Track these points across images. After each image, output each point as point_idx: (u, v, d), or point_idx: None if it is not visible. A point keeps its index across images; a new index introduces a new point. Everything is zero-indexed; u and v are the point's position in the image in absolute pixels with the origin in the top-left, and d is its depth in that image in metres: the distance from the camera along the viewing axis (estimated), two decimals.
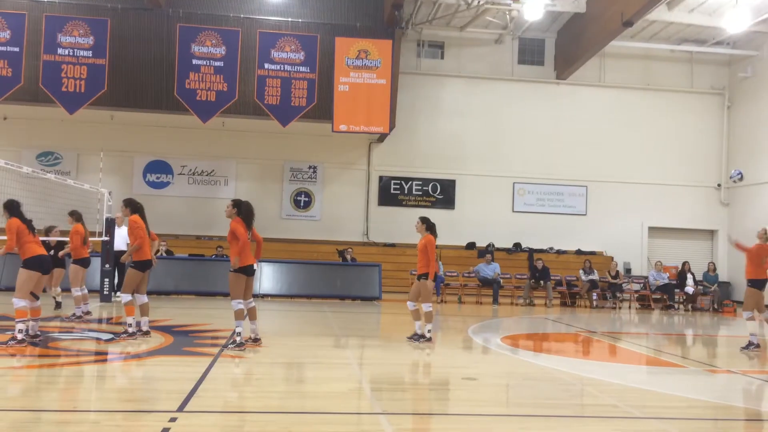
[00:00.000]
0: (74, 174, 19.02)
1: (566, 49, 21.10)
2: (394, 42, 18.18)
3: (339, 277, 17.44)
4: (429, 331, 9.67)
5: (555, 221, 21.56)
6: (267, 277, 17.24)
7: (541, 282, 18.28)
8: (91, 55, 16.77)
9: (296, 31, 17.87)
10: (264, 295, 16.95)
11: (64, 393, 6.14)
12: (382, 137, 19.81)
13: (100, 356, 8.25)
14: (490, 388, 7.18)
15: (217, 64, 17.17)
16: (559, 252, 21.10)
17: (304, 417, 5.45)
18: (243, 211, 8.85)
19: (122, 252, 13.60)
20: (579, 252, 21.07)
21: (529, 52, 21.79)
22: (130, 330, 8.98)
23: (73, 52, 16.71)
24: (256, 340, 8.78)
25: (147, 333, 9.16)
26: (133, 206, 9.39)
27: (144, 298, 9.20)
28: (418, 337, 9.68)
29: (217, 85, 17.13)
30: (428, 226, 9.78)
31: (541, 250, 20.76)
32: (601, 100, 21.78)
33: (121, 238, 14.06)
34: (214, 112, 17.08)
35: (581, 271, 18.92)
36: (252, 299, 8.93)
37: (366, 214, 21.06)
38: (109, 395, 6.20)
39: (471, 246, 20.70)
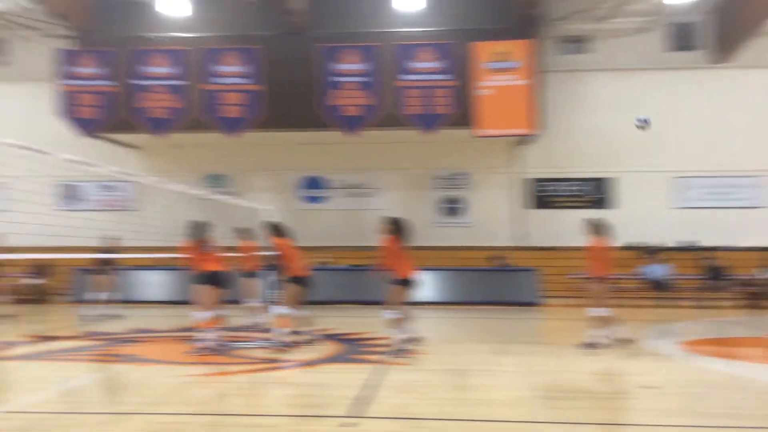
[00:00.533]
0: (240, 194, 20.37)
1: (723, 30, 19.51)
2: (533, 41, 17.78)
3: (494, 283, 17.26)
4: (606, 336, 9.29)
5: (725, 216, 19.92)
6: (427, 286, 17.41)
7: (716, 282, 16.93)
8: (246, 81, 17.95)
9: (432, 39, 18.02)
10: (420, 303, 17.14)
11: (246, 398, 6.56)
12: (527, 139, 19.41)
13: (274, 364, 8.74)
14: (675, 397, 6.74)
15: (359, 79, 17.72)
16: (732, 249, 19.45)
17: (475, 425, 5.44)
18: (399, 228, 9.11)
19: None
20: (753, 248, 19.25)
21: (680, 38, 20.36)
22: (287, 340, 9.42)
23: (230, 80, 17.99)
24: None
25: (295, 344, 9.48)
26: (273, 230, 9.76)
27: (301, 311, 9.50)
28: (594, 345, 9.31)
29: (360, 99, 17.68)
30: (596, 228, 9.49)
31: (711, 248, 19.25)
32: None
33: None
34: (359, 127, 17.64)
35: (756, 269, 17.28)
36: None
37: (516, 218, 20.69)
38: (286, 401, 6.54)
39: (631, 247, 19.66)
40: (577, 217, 7.90)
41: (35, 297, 17.96)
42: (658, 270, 17.23)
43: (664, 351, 9.76)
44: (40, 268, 18.33)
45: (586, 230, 9.50)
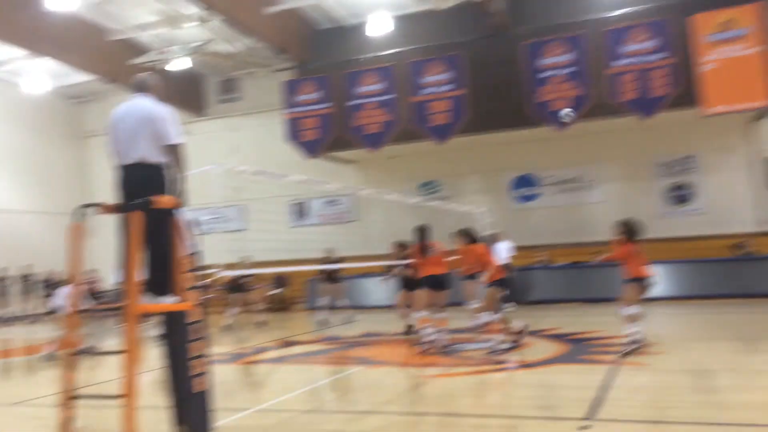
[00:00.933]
0: (453, 198, 20.72)
1: None
2: (762, 3, 15.81)
3: (735, 274, 15.61)
4: None
5: None
6: (662, 280, 16.28)
7: None
8: (451, 88, 18.22)
9: (642, 19, 16.80)
10: (651, 299, 16.05)
11: (476, 399, 6.62)
12: (762, 113, 17.29)
13: (501, 365, 8.72)
14: None
15: (567, 71, 17.08)
16: None
17: (724, 429, 4.95)
18: (632, 230, 9.05)
19: (503, 266, 14.42)
20: None
21: None
22: (505, 344, 9.34)
23: (436, 89, 18.38)
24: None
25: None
26: (466, 236, 9.69)
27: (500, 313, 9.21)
28: None
29: (569, 92, 17.03)
30: None
31: None
32: None
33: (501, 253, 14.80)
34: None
35: None
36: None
37: (759, 201, 18.51)
38: (518, 402, 6.48)
39: None
40: None
41: (277, 306, 19.81)
42: None
43: None
44: (279, 280, 20.19)
45: None
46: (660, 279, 16.10)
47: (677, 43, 16.30)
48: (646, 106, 16.39)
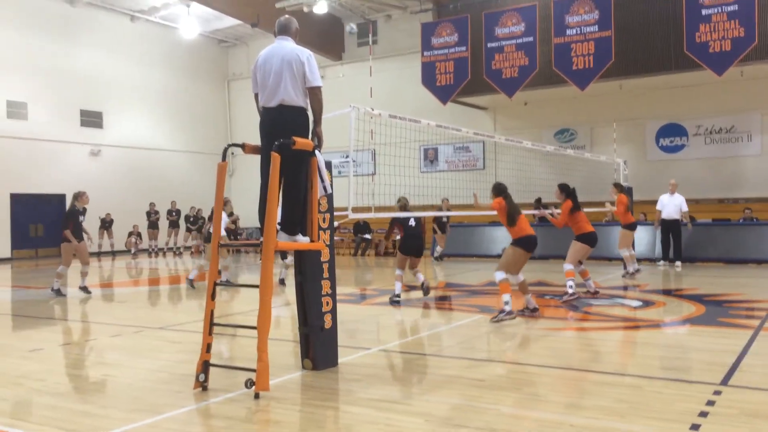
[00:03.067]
0: (589, 147, 19.89)
1: None
2: None
3: None
4: None
5: None
6: None
7: None
8: (597, 29, 17.20)
9: None
10: None
11: (602, 355, 6.47)
12: None
13: (631, 322, 8.44)
14: None
15: (731, 8, 15.55)
16: None
17: None
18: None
19: (675, 221, 13.97)
20: None
21: None
22: (571, 292, 9.72)
23: (580, 30, 17.41)
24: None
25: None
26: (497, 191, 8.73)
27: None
28: None
29: (732, 32, 15.54)
30: None
31: None
32: None
33: (674, 206, 14.22)
34: (730, 63, 15.55)
35: None
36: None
37: None
38: (647, 362, 6.27)
39: None
40: None
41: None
42: None
43: None
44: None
45: None
46: None
47: None
48: None
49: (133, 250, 22.51)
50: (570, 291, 9.66)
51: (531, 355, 6.53)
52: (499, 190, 8.61)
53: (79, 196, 11.56)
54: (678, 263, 14.18)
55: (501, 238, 18.45)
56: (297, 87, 5.44)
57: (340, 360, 5.93)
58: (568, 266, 9.90)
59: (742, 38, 15.38)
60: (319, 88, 5.51)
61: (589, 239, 9.97)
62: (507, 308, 7.95)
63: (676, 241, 14.38)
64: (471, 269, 15.20)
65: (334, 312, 5.91)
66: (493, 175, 20.80)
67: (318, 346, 5.73)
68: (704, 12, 15.82)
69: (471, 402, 4.79)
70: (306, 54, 5.52)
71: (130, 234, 22.95)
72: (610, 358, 6.34)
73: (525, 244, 8.30)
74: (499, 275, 8.18)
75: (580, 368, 5.75)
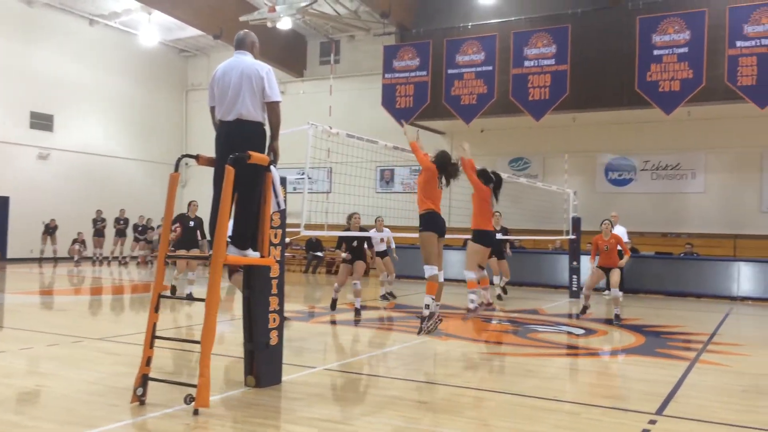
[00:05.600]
0: (541, 176, 20.30)
1: None
2: None
3: None
4: None
5: None
6: (746, 278, 15.51)
7: None
8: (554, 62, 17.65)
9: None
10: (743, 298, 15.31)
11: (543, 381, 6.57)
12: None
13: (573, 350, 8.60)
14: None
15: (681, 51, 16.17)
16: None
17: None
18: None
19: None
20: None
21: None
22: (472, 307, 9.37)
23: (538, 62, 17.84)
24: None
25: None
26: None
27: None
28: None
29: (681, 73, 16.15)
30: None
31: None
32: None
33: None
34: (678, 103, 16.14)
35: None
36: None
37: None
38: (587, 389, 6.39)
39: None
40: None
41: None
42: None
43: None
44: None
45: None
46: (754, 278, 15.40)
47: None
48: (763, 93, 15.34)
49: (76, 258, 21.89)
50: (471, 307, 9.20)
51: (474, 379, 6.58)
52: (488, 178, 9.10)
53: None
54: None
55: (453, 261, 18.61)
56: (255, 101, 5.44)
57: (284, 378, 5.87)
58: (469, 275, 9.04)
59: (691, 80, 16.00)
60: (277, 103, 5.52)
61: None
62: (472, 306, 8.29)
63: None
64: (421, 291, 15.24)
65: (280, 329, 5.86)
66: (447, 199, 21.00)
67: (262, 363, 5.67)
68: (656, 52, 16.41)
69: (412, 424, 4.80)
70: (265, 69, 5.53)
71: (75, 241, 22.33)
72: (551, 385, 6.43)
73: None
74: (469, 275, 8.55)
75: (522, 393, 5.82)
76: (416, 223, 7.93)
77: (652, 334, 9.72)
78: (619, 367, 7.71)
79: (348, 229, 10.49)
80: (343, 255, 10.67)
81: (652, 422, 5.03)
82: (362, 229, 10.71)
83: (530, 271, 17.35)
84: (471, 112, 18.63)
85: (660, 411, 5.37)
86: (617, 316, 10.62)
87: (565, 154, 17.52)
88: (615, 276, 10.87)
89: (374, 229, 13.02)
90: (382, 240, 13.30)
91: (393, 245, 14.18)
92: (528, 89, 17.88)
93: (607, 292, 15.25)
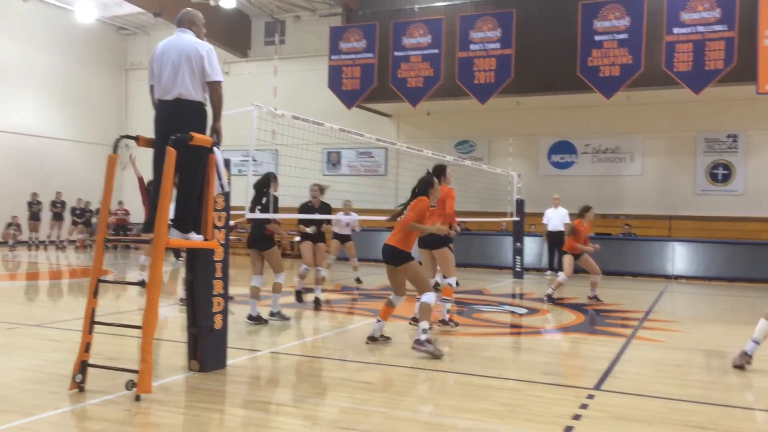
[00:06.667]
0: (486, 159, 20.55)
1: None
2: None
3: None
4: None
5: None
6: (680, 258, 16.13)
7: None
8: (499, 47, 17.84)
9: None
10: (677, 277, 15.91)
11: (488, 360, 6.70)
12: None
13: (516, 329, 8.80)
14: None
15: (621, 36, 16.54)
16: None
17: (731, 411, 4.96)
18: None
19: (560, 232, 14.61)
20: None
21: None
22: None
23: (483, 46, 17.99)
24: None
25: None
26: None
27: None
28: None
29: (621, 59, 16.54)
30: None
31: None
32: None
33: (558, 219, 14.90)
34: (618, 87, 16.55)
35: None
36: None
37: None
38: (529, 366, 6.55)
39: None
40: None
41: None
42: None
43: None
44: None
45: None
46: (689, 258, 16.02)
47: (739, 16, 15.61)
48: (698, 79, 15.87)
49: (11, 242, 21.11)
50: (446, 317, 8.24)
51: (420, 359, 6.66)
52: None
53: None
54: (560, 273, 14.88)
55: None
56: (196, 81, 5.33)
57: (228, 362, 5.83)
58: (451, 281, 8.29)
59: (630, 65, 16.41)
60: (219, 83, 5.42)
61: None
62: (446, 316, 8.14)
63: (560, 252, 15.08)
64: (368, 273, 15.32)
65: (225, 313, 5.80)
66: (394, 182, 21.10)
67: (206, 347, 5.61)
68: (597, 38, 16.75)
69: (359, 405, 4.84)
70: (206, 48, 5.42)
71: (9, 225, 21.51)
72: (495, 363, 6.57)
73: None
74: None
75: (468, 372, 5.93)
76: (365, 205, 7.92)
77: (591, 312, 10.02)
78: (559, 344, 7.94)
79: (309, 203, 10.11)
80: (308, 229, 9.98)
81: (591, 397, 5.20)
82: (324, 205, 10.25)
83: (475, 252, 17.61)
84: (417, 95, 18.69)
85: (598, 386, 5.56)
86: (549, 296, 10.89)
87: (509, 137, 17.79)
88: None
89: (342, 212, 12.81)
90: (347, 224, 12.99)
91: (358, 230, 13.74)
92: (473, 73, 18.03)
93: (550, 272, 15.68)
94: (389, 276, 7.02)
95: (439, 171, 7.92)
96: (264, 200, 8.33)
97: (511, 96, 18.42)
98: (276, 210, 8.51)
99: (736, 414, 4.89)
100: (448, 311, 8.21)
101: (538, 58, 17.49)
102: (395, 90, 18.83)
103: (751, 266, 15.36)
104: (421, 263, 7.57)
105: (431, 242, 8.04)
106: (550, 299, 10.85)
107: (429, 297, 6.66)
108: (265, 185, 8.42)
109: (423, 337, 6.48)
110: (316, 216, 9.83)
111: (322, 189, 10.09)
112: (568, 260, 10.98)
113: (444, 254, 8.11)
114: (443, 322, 8.10)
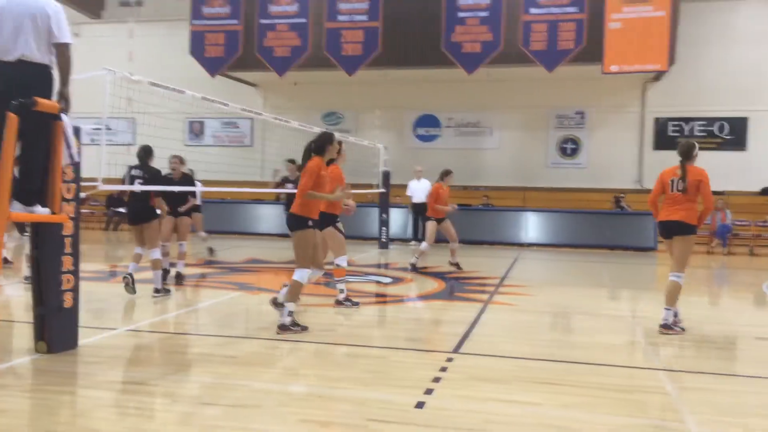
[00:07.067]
0: (354, 131, 20.68)
1: None
2: None
3: (609, 227, 16.69)
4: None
5: None
6: (533, 227, 17.17)
7: None
8: (366, 18, 17.89)
9: None
10: (529, 244, 16.94)
11: (354, 329, 6.83)
12: (658, 75, 18.20)
13: (381, 298, 9.01)
14: None
15: (483, 14, 17.15)
16: None
17: (575, 367, 5.39)
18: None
19: (423, 204, 14.93)
20: None
21: None
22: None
23: (351, 17, 17.97)
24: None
25: None
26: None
27: None
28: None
29: (482, 35, 17.16)
30: None
31: None
32: None
33: (422, 191, 15.22)
34: (479, 63, 17.18)
35: None
36: None
37: (640, 160, 19.70)
38: (393, 334, 6.76)
39: (766, 191, 18.28)
40: (702, 160, 7.09)
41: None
42: None
43: None
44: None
45: None
46: (541, 227, 17.10)
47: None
48: (551, 57, 16.79)
49: None
50: (341, 297, 8.00)
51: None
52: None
53: None
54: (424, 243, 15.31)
55: (265, 216, 18.52)
56: (41, 42, 4.93)
57: (81, 342, 5.52)
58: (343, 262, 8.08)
59: (491, 42, 17.07)
60: (67, 45, 5.04)
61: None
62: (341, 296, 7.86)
63: (423, 223, 15.55)
64: (231, 246, 15.03)
65: (75, 290, 5.47)
66: (260, 153, 20.74)
67: (54, 328, 5.27)
68: (460, 15, 17.25)
69: (222, 380, 4.77)
70: (54, 7, 5.02)
71: None
72: (360, 332, 6.70)
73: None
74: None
75: (333, 342, 6.01)
76: (230, 177, 7.70)
77: (451, 279, 10.46)
78: (422, 311, 8.23)
79: (170, 175, 9.60)
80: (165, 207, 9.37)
81: (450, 360, 5.45)
82: (185, 176, 9.78)
83: (350, 224, 17.72)
84: (284, 65, 18.38)
85: (456, 349, 5.83)
86: (413, 265, 11.24)
87: (377, 109, 18.00)
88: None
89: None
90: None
91: (199, 201, 13.06)
92: (341, 44, 17.98)
93: (414, 242, 16.15)
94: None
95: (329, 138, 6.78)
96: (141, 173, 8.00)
97: (379, 68, 18.59)
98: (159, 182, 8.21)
99: (578, 369, 5.32)
100: (342, 291, 7.96)
101: (404, 32, 17.73)
102: (261, 59, 18.40)
103: (594, 234, 16.66)
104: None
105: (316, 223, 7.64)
106: (414, 268, 11.19)
107: (301, 274, 6.35)
108: (146, 156, 8.16)
109: (287, 320, 6.30)
110: (176, 188, 9.44)
111: (182, 160, 9.69)
112: (431, 227, 11.36)
113: (331, 234, 7.89)
114: (338, 302, 7.97)
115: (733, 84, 18.66)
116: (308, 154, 6.60)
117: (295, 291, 6.41)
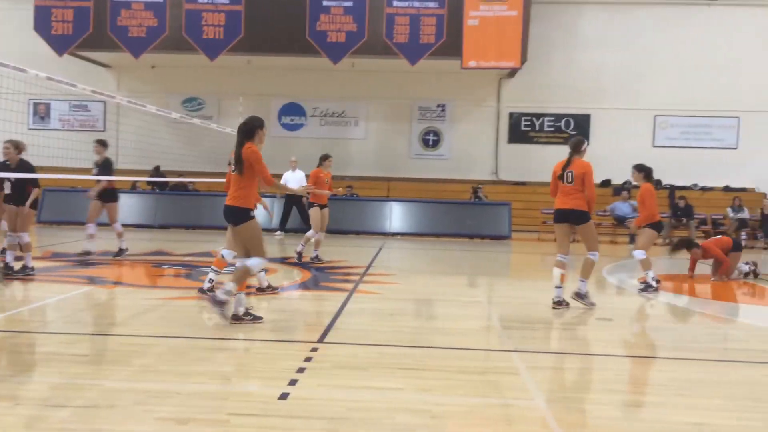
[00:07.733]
0: (216, 118, 20.07)
1: None
2: None
3: (468, 216, 17.42)
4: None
5: (701, 156, 20.14)
6: (397, 216, 17.56)
7: (684, 220, 17.32)
8: (228, 2, 17.37)
9: None
10: (394, 234, 17.31)
11: (215, 322, 6.65)
12: (512, 72, 19.21)
13: (247, 289, 8.81)
14: (626, 330, 6.99)
15: (347, 4, 17.22)
16: (704, 189, 19.78)
17: (436, 351, 5.59)
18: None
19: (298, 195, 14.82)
20: (727, 189, 19.67)
21: None
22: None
23: (213, 0, 17.37)
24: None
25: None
26: None
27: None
28: None
29: (346, 26, 17.23)
30: (646, 173, 8.98)
31: (683, 187, 19.55)
32: (757, 21, 19.72)
33: (296, 182, 14.98)
34: (344, 53, 17.26)
35: (729, 209, 17.79)
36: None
37: (496, 152, 20.72)
38: (256, 325, 6.64)
39: (606, 183, 19.87)
40: (551, 153, 7.55)
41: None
42: (625, 207, 17.43)
43: (621, 285, 10.02)
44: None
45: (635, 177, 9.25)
46: (404, 216, 17.53)
47: None
48: (413, 51, 17.20)
49: None
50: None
51: (143, 326, 6.37)
52: None
53: None
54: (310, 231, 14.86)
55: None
56: None
57: None
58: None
59: (355, 33, 17.19)
60: None
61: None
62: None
63: (301, 213, 15.59)
64: (78, 239, 14.12)
65: None
66: (114, 138, 19.58)
67: None
68: (325, 3, 17.22)
69: (71, 379, 4.47)
70: None
71: None
72: (222, 325, 6.54)
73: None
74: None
75: (193, 336, 5.82)
76: (80, 163, 7.22)
77: (317, 269, 10.46)
78: (287, 302, 8.16)
79: (6, 162, 8.80)
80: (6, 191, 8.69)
81: (314, 350, 5.46)
82: (22, 163, 8.98)
83: (207, 214, 17.21)
84: (140, 46, 17.48)
85: (321, 339, 5.85)
86: (300, 254, 11.17)
87: (240, 96, 17.53)
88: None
89: None
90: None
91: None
92: (202, 27, 17.37)
93: (279, 233, 16.00)
94: (233, 236, 6.81)
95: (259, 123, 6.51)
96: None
97: (242, 54, 18.16)
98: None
99: (439, 354, 5.52)
100: (212, 281, 7.68)
101: (269, 18, 17.43)
102: (114, 38, 17.36)
103: (454, 223, 17.33)
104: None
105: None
106: (300, 257, 11.12)
107: (255, 262, 6.28)
108: None
109: (223, 297, 6.14)
110: (12, 175, 8.68)
111: (17, 145, 8.91)
112: (314, 214, 11.24)
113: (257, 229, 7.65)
114: (261, 289, 7.82)
115: (578, 83, 20.11)
116: (241, 141, 6.30)
117: (242, 275, 6.31)
